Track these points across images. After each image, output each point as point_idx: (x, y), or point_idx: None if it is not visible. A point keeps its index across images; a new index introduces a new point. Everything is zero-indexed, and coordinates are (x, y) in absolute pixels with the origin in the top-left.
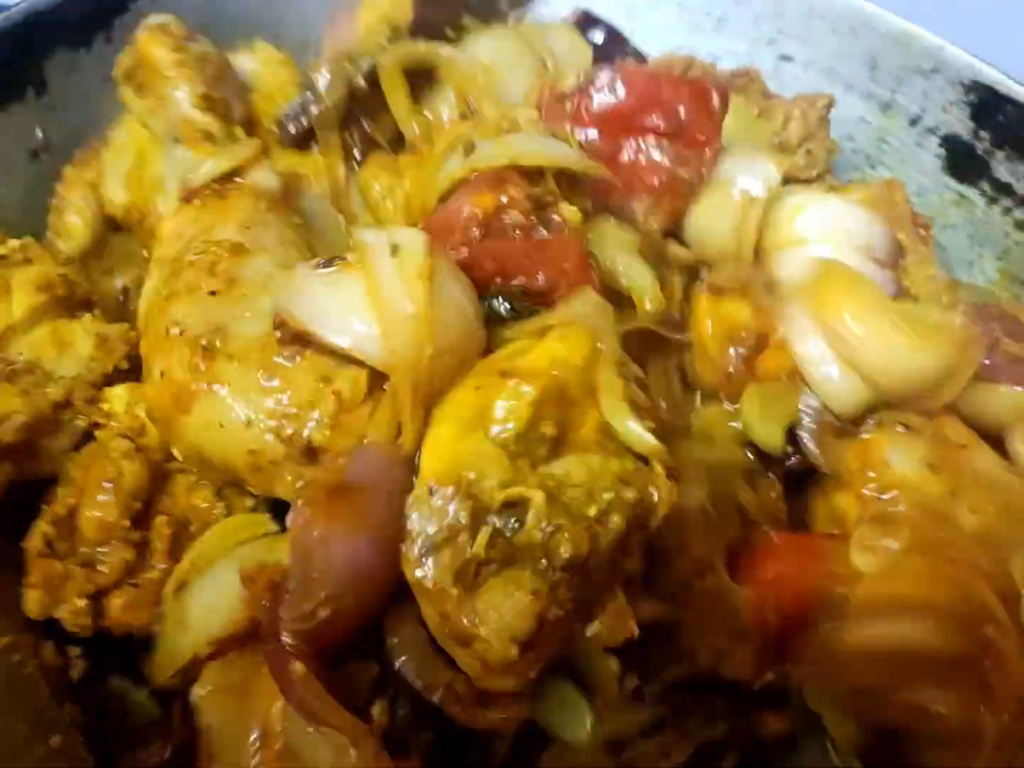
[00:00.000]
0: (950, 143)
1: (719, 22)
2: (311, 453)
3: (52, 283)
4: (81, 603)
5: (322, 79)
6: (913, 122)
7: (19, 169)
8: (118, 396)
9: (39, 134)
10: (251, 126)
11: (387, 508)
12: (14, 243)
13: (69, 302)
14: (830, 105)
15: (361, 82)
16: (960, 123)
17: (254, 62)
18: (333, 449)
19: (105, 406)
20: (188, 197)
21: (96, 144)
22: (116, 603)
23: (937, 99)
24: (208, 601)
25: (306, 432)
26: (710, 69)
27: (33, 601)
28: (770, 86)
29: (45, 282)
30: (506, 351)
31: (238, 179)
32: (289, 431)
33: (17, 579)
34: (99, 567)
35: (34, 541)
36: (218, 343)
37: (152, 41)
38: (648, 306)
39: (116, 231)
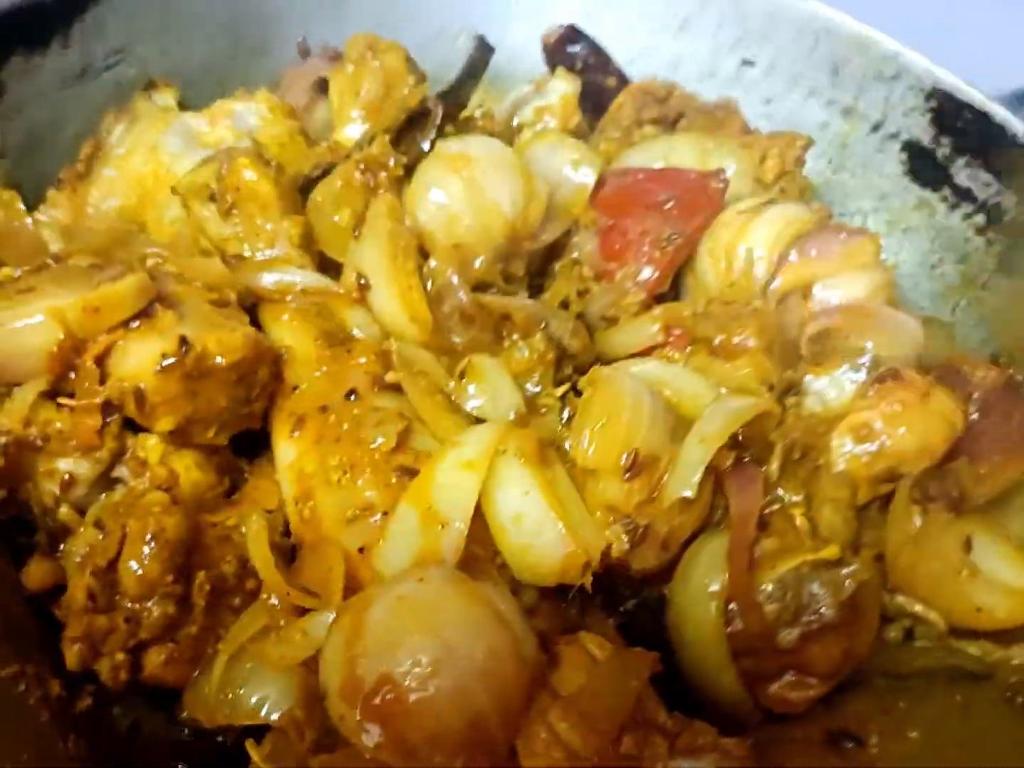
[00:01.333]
0: (911, 149)
1: (682, 25)
2: None
3: None
4: (120, 657)
5: None
6: (875, 128)
7: None
8: (152, 447)
9: None
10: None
11: None
12: None
13: None
14: (808, 146)
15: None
16: (921, 129)
17: (255, 113)
18: None
19: (141, 454)
20: None
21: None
22: (154, 658)
23: (898, 105)
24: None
25: None
26: (690, 99)
27: (74, 655)
28: (732, 92)
29: None
30: None
31: None
32: None
33: (19, 605)
34: (141, 621)
35: (78, 594)
36: None
37: (253, 171)
38: None
39: None
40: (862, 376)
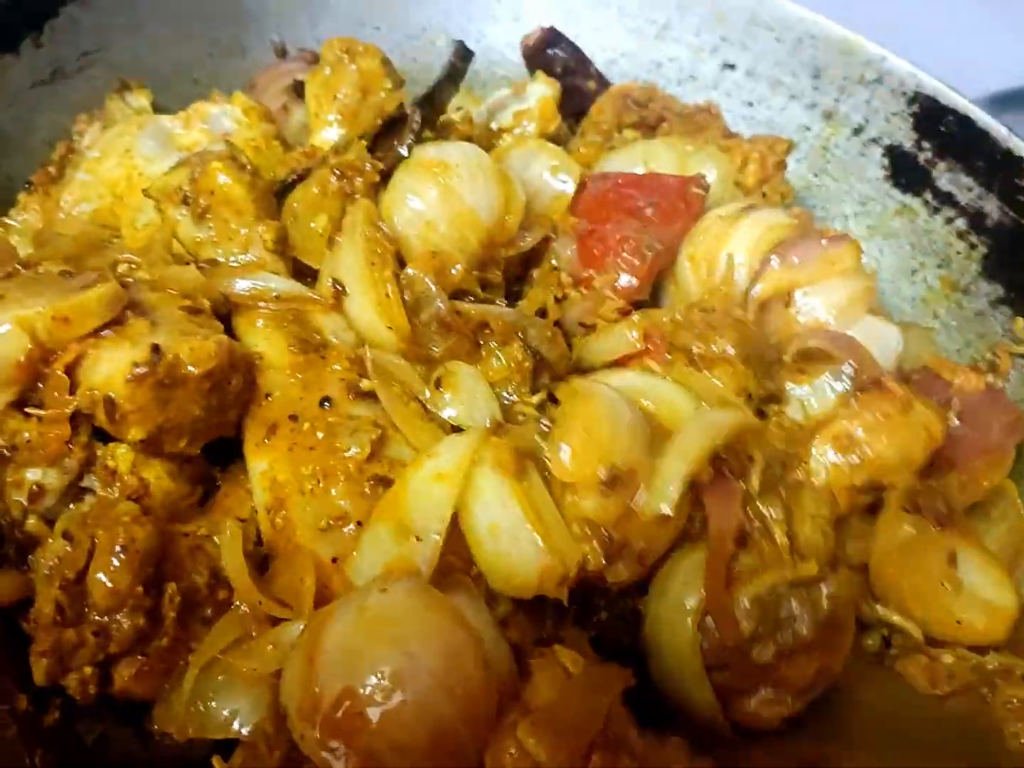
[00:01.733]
0: (893, 153)
1: (663, 28)
2: None
3: None
4: (89, 671)
5: None
6: (857, 132)
7: None
8: (122, 456)
9: None
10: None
11: None
12: None
13: None
14: (789, 150)
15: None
16: (903, 133)
17: (230, 116)
18: None
19: (110, 463)
20: None
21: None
22: (124, 672)
23: (880, 109)
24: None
25: None
26: (671, 102)
27: (42, 669)
28: (712, 95)
29: None
30: None
31: None
32: None
33: None
34: (111, 634)
35: (45, 607)
36: None
37: (227, 174)
38: None
39: None
40: (844, 384)
